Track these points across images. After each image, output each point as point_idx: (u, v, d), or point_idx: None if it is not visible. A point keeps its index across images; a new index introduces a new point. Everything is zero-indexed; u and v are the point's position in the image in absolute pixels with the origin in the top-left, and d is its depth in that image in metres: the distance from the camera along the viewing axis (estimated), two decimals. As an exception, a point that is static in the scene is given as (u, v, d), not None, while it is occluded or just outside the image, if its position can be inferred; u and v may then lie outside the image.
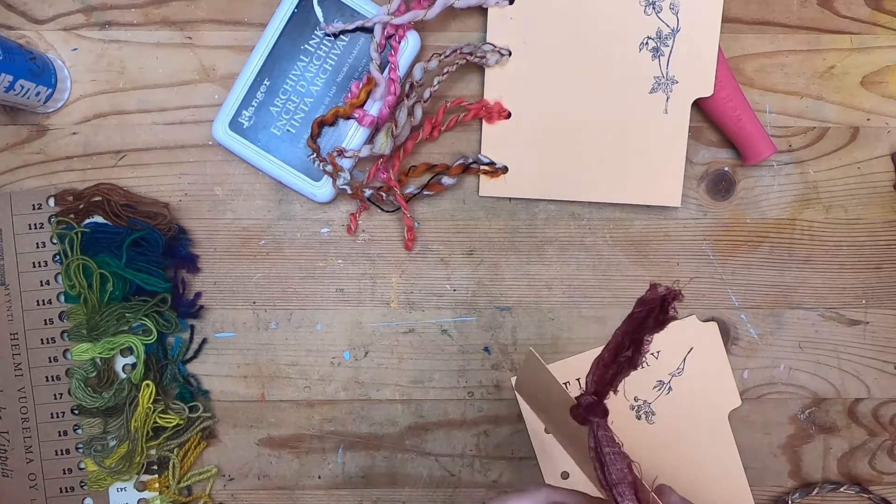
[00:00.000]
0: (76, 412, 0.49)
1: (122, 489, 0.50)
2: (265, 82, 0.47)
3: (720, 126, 0.49)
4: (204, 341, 0.50)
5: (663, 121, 0.48)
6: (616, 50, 0.47)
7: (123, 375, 0.49)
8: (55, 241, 0.48)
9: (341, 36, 0.47)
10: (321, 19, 0.46)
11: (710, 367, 0.50)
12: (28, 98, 0.46)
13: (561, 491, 0.38)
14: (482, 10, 0.47)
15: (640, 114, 0.48)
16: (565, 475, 0.50)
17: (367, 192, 0.48)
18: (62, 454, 0.50)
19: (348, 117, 0.47)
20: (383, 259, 0.50)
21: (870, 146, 0.50)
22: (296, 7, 0.46)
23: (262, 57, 0.46)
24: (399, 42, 0.46)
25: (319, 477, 0.51)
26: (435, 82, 0.47)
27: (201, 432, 0.50)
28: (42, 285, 0.49)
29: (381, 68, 0.46)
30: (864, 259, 0.51)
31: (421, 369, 0.51)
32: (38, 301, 0.49)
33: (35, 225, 0.49)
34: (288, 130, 0.47)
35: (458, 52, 0.47)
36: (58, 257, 0.49)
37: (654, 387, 0.50)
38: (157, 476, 0.50)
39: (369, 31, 0.46)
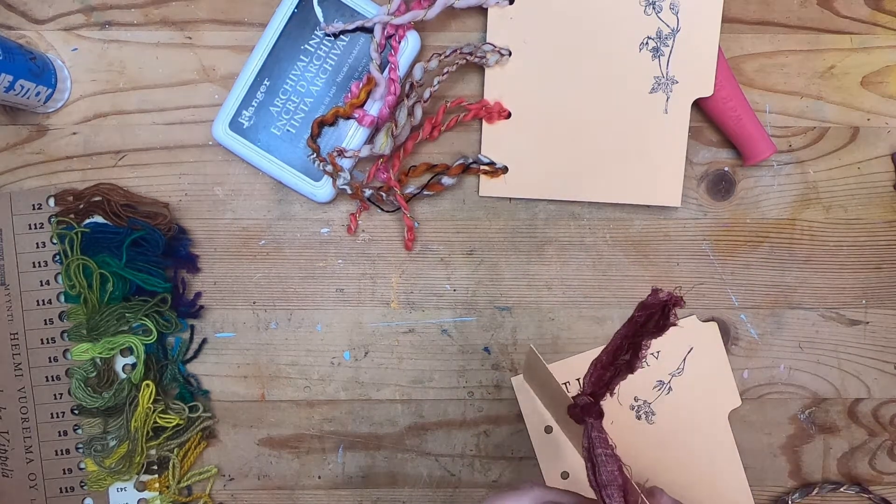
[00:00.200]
0: (76, 412, 0.49)
1: (122, 489, 0.50)
2: (265, 82, 0.47)
3: (720, 126, 0.49)
4: (204, 341, 0.50)
5: (663, 121, 0.48)
6: (616, 50, 0.47)
7: (123, 375, 0.49)
8: (55, 241, 0.48)
9: (341, 36, 0.47)
10: (321, 19, 0.46)
11: (710, 367, 0.50)
12: (28, 98, 0.46)
13: (554, 490, 0.38)
14: (482, 10, 0.48)
15: (640, 114, 0.48)
16: (565, 475, 0.50)
17: (367, 192, 0.48)
18: (62, 454, 0.50)
19: (348, 117, 0.47)
20: (383, 259, 0.50)
21: (870, 146, 0.50)
22: (296, 7, 0.46)
23: (262, 57, 0.47)
24: (399, 42, 0.46)
25: (319, 477, 0.51)
26: (435, 82, 0.47)
27: (201, 432, 0.50)
28: (42, 285, 0.49)
29: (381, 68, 0.46)
30: (864, 259, 0.51)
31: (421, 369, 0.51)
32: (38, 301, 0.49)
33: (35, 225, 0.49)
34: (288, 130, 0.47)
35: (458, 52, 0.47)
36: (58, 257, 0.49)
37: (654, 387, 0.50)
38: (157, 476, 0.50)
39: (369, 31, 0.46)
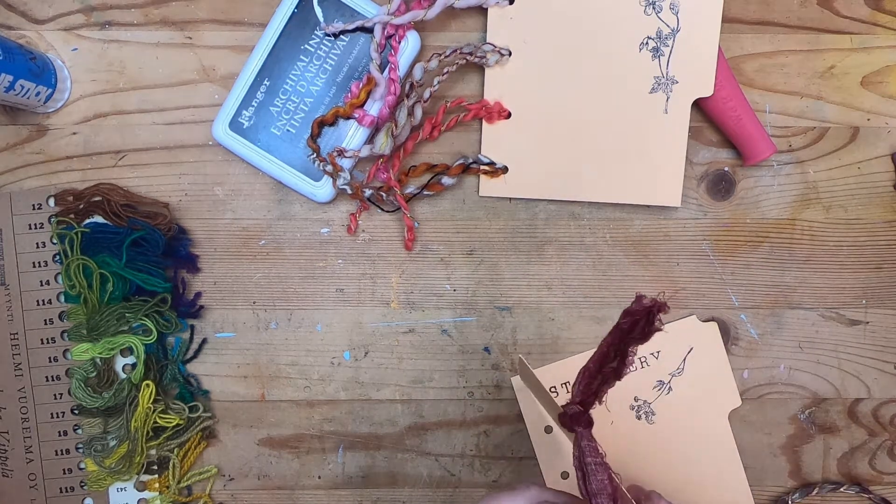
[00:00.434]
0: (76, 412, 0.49)
1: (122, 489, 0.50)
2: (265, 82, 0.47)
3: (720, 126, 0.49)
4: (204, 341, 0.50)
5: (663, 121, 0.48)
6: (616, 50, 0.47)
7: (123, 375, 0.49)
8: (55, 241, 0.48)
9: (341, 36, 0.47)
10: (321, 19, 0.46)
11: (710, 367, 0.50)
12: (28, 98, 0.46)
13: (550, 491, 0.39)
14: (482, 10, 0.48)
15: (640, 114, 0.48)
16: (565, 475, 0.50)
17: (367, 192, 0.48)
18: (62, 454, 0.50)
19: (348, 117, 0.47)
20: (383, 259, 0.50)
21: (870, 146, 0.50)
22: (296, 7, 0.46)
23: (262, 57, 0.47)
24: (399, 42, 0.46)
25: (319, 477, 0.51)
26: (435, 82, 0.47)
27: (201, 432, 0.50)
28: (42, 285, 0.49)
29: (381, 68, 0.46)
30: (864, 259, 0.51)
31: (421, 369, 0.51)
32: (38, 301, 0.49)
33: (35, 225, 0.49)
34: (288, 130, 0.47)
35: (458, 52, 0.47)
36: (58, 257, 0.49)
37: (654, 387, 0.50)
38: (157, 476, 0.50)
39: (369, 31, 0.46)
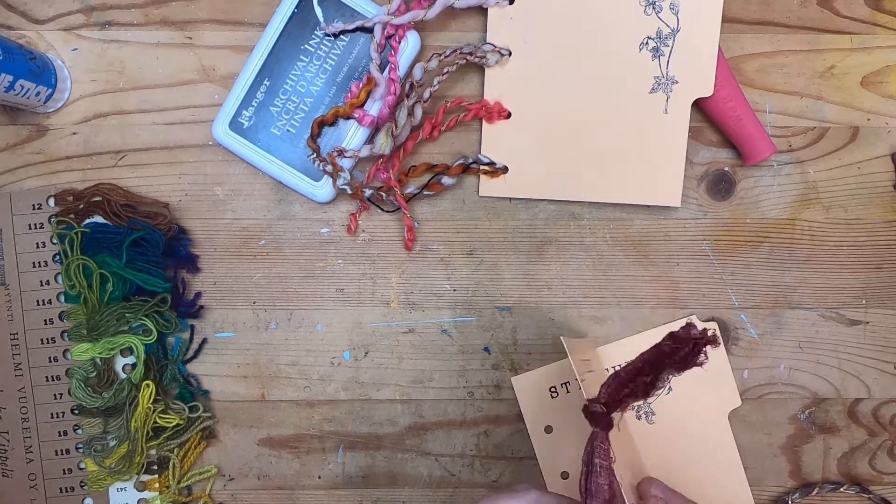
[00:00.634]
0: (76, 412, 0.49)
1: (122, 489, 0.50)
2: (265, 82, 0.47)
3: (720, 126, 0.49)
4: (204, 341, 0.50)
5: (663, 121, 0.48)
6: (616, 50, 0.47)
7: (123, 375, 0.49)
8: (55, 241, 0.48)
9: (341, 36, 0.47)
10: (321, 19, 0.46)
11: (710, 367, 0.50)
12: (28, 98, 0.46)
13: (549, 495, 0.39)
14: (482, 10, 0.48)
15: (640, 114, 0.48)
16: (565, 475, 0.50)
17: (367, 192, 0.48)
18: (62, 454, 0.50)
19: (348, 117, 0.47)
20: (383, 259, 0.50)
21: (870, 146, 0.50)
22: (296, 7, 0.46)
23: (262, 57, 0.47)
24: (399, 42, 0.46)
25: (319, 477, 0.51)
26: (435, 82, 0.47)
27: (201, 432, 0.50)
28: (42, 285, 0.49)
29: (381, 68, 0.46)
30: (864, 259, 0.51)
31: (421, 369, 0.51)
32: (38, 301, 0.49)
33: (35, 225, 0.49)
34: (288, 130, 0.47)
35: (458, 52, 0.47)
36: (58, 257, 0.49)
37: (654, 387, 0.50)
38: (157, 476, 0.50)
39: (369, 31, 0.46)
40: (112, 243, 0.47)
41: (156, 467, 0.50)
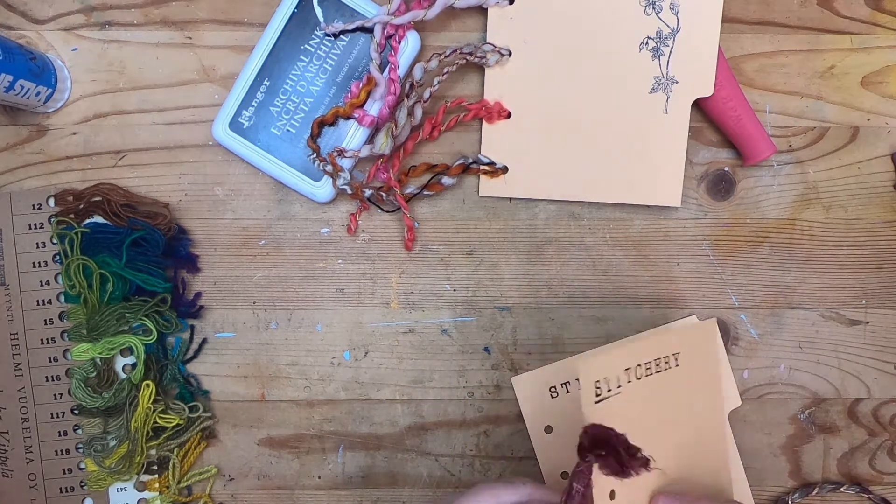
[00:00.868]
0: (76, 412, 0.49)
1: (122, 489, 0.50)
2: (265, 82, 0.47)
3: (720, 126, 0.49)
4: (204, 341, 0.50)
5: (663, 121, 0.48)
6: (616, 50, 0.47)
7: (123, 375, 0.49)
8: (55, 241, 0.48)
9: (341, 36, 0.47)
10: (321, 19, 0.46)
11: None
12: (28, 98, 0.46)
13: (545, 489, 0.39)
14: (482, 10, 0.48)
15: (640, 114, 0.48)
16: (565, 475, 0.50)
17: (367, 192, 0.48)
18: (62, 454, 0.50)
19: (348, 117, 0.47)
20: (383, 259, 0.50)
21: (870, 146, 0.50)
22: (296, 7, 0.46)
23: (262, 57, 0.47)
24: (399, 42, 0.46)
25: (319, 477, 0.51)
26: (435, 82, 0.47)
27: (201, 432, 0.50)
28: (42, 285, 0.49)
29: (381, 68, 0.46)
30: (864, 259, 0.51)
31: (421, 369, 0.51)
32: (38, 301, 0.49)
33: (35, 225, 0.49)
34: (288, 130, 0.47)
35: (458, 52, 0.47)
36: (58, 257, 0.49)
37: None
38: (157, 476, 0.50)
39: (369, 31, 0.46)
40: (112, 243, 0.47)
41: (156, 467, 0.50)
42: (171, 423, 0.48)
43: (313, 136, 0.46)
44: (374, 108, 0.47)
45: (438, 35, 0.49)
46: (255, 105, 0.47)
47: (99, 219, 0.48)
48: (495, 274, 0.50)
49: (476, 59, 0.47)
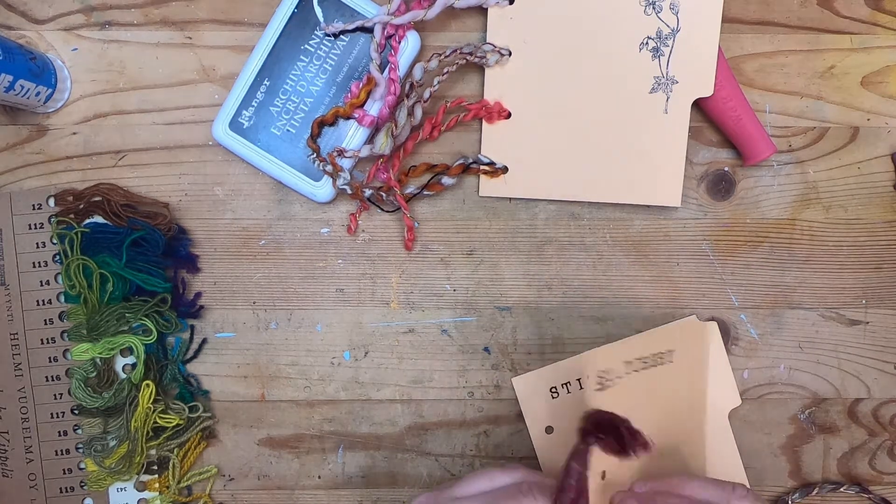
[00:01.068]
0: (76, 412, 0.49)
1: (122, 489, 0.50)
2: (265, 82, 0.47)
3: (720, 126, 0.49)
4: (204, 341, 0.50)
5: (663, 121, 0.48)
6: (616, 50, 0.47)
7: (123, 375, 0.49)
8: (55, 241, 0.48)
9: (341, 36, 0.47)
10: (321, 19, 0.46)
11: (710, 367, 0.50)
12: (28, 98, 0.46)
13: (537, 473, 0.41)
14: (482, 10, 0.48)
15: (640, 114, 0.48)
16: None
17: (367, 192, 0.48)
18: (62, 454, 0.50)
19: (348, 117, 0.47)
20: (383, 259, 0.50)
21: (870, 146, 0.50)
22: (296, 7, 0.46)
23: (262, 57, 0.47)
24: (399, 42, 0.46)
25: (319, 477, 0.51)
26: (435, 82, 0.47)
27: (201, 432, 0.50)
28: (42, 285, 0.49)
29: (381, 68, 0.46)
30: (864, 259, 0.51)
31: (421, 369, 0.51)
32: (38, 301, 0.49)
33: (35, 225, 0.49)
34: (288, 130, 0.47)
35: (458, 52, 0.47)
36: (58, 257, 0.49)
37: (654, 387, 0.50)
38: (157, 476, 0.50)
39: (369, 31, 0.46)
40: (112, 243, 0.47)
41: (156, 467, 0.50)
42: (171, 423, 0.48)
43: (313, 136, 0.46)
44: (374, 108, 0.47)
45: (438, 35, 0.49)
46: (255, 105, 0.47)
47: (99, 219, 0.48)
48: (495, 274, 0.50)
49: (476, 59, 0.47)
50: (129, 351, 0.49)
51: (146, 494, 0.50)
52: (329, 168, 0.46)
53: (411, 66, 0.47)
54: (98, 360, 0.48)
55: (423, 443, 0.51)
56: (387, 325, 0.50)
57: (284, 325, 0.50)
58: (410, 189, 0.49)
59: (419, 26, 0.47)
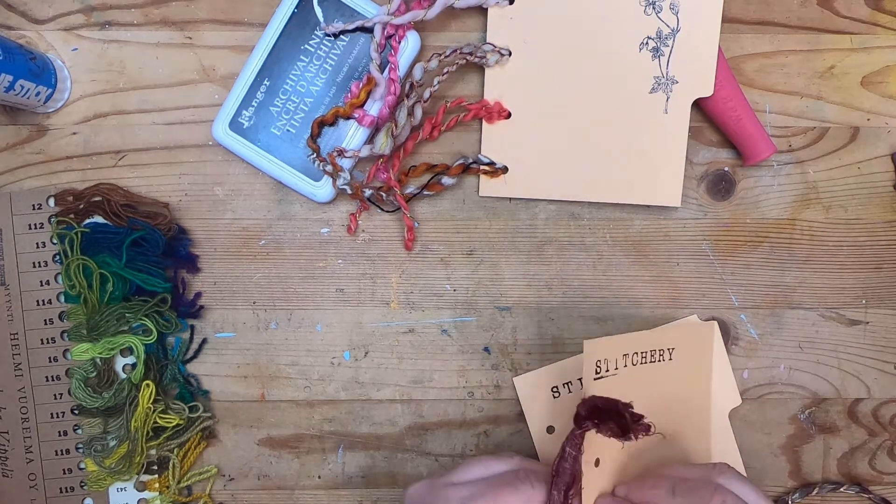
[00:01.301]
0: (76, 412, 0.49)
1: (122, 489, 0.50)
2: (265, 82, 0.47)
3: (720, 126, 0.49)
4: (204, 341, 0.50)
5: (663, 121, 0.48)
6: (616, 50, 0.47)
7: (123, 375, 0.49)
8: (55, 241, 0.48)
9: (341, 36, 0.47)
10: (321, 19, 0.46)
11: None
12: (28, 98, 0.46)
13: (530, 461, 0.42)
14: (482, 10, 0.48)
15: (640, 114, 0.48)
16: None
17: (367, 192, 0.48)
18: (62, 454, 0.50)
19: (348, 117, 0.47)
20: (383, 259, 0.50)
21: (870, 146, 0.50)
22: (296, 7, 0.46)
23: (262, 57, 0.47)
24: (399, 42, 0.46)
25: (319, 477, 0.51)
26: (435, 82, 0.47)
27: (201, 432, 0.50)
28: (42, 285, 0.49)
29: (381, 68, 0.46)
30: (864, 259, 0.51)
31: (421, 369, 0.51)
32: (38, 301, 0.49)
33: (35, 225, 0.49)
34: (288, 130, 0.47)
35: (458, 52, 0.47)
36: (58, 257, 0.49)
37: (654, 387, 0.50)
38: (157, 476, 0.50)
39: (369, 31, 0.46)
40: (112, 243, 0.47)
41: (156, 467, 0.50)
42: (171, 423, 0.48)
43: (313, 136, 0.46)
44: (374, 108, 0.47)
45: (438, 35, 0.49)
46: (255, 105, 0.47)
47: (99, 219, 0.48)
48: (495, 274, 0.50)
49: (476, 59, 0.47)
50: (129, 351, 0.49)
51: (146, 494, 0.50)
52: (329, 168, 0.46)
53: (411, 66, 0.47)
54: (98, 360, 0.48)
55: (423, 443, 0.51)
56: (387, 325, 0.50)
57: (284, 325, 0.50)
58: (410, 189, 0.49)
59: (419, 26, 0.47)
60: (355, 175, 0.48)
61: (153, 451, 0.49)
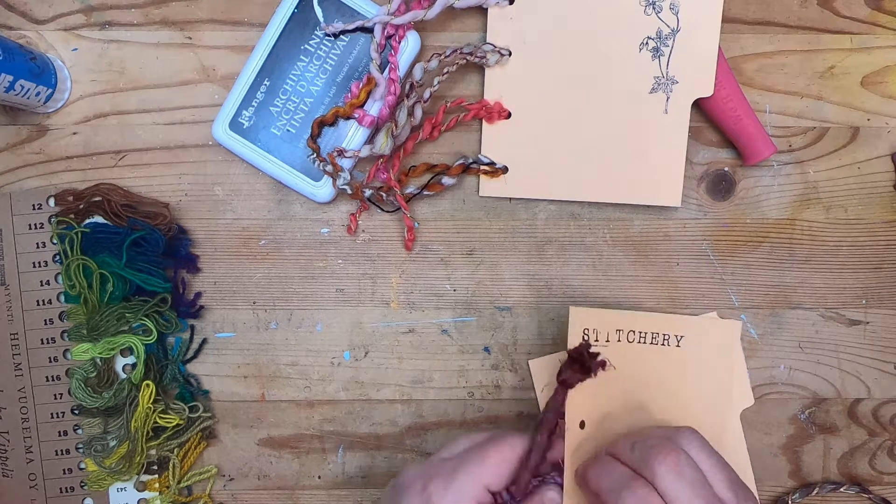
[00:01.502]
0: (76, 412, 0.49)
1: (122, 489, 0.50)
2: (265, 82, 0.47)
3: (720, 126, 0.49)
4: (204, 341, 0.50)
5: (663, 121, 0.48)
6: (616, 50, 0.47)
7: (123, 375, 0.49)
8: (55, 241, 0.48)
9: (341, 36, 0.47)
10: (321, 19, 0.46)
11: (721, 364, 0.49)
12: (28, 98, 0.46)
13: (522, 435, 0.42)
14: (482, 10, 0.48)
15: (640, 114, 0.48)
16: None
17: (367, 192, 0.48)
18: (62, 454, 0.50)
19: (348, 117, 0.47)
20: (383, 259, 0.50)
21: (870, 146, 0.50)
22: (296, 7, 0.46)
23: (262, 57, 0.47)
24: (399, 42, 0.46)
25: (319, 477, 0.51)
26: (435, 82, 0.47)
27: (201, 432, 0.50)
28: (42, 285, 0.49)
29: (381, 68, 0.46)
30: (864, 259, 0.51)
31: (421, 369, 0.51)
32: (38, 301, 0.49)
33: (35, 225, 0.49)
34: (288, 130, 0.47)
35: (458, 52, 0.47)
36: (58, 257, 0.49)
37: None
38: (157, 476, 0.50)
39: (369, 31, 0.46)
40: (112, 243, 0.47)
41: (156, 467, 0.50)
42: (171, 423, 0.48)
43: (313, 136, 0.46)
44: (374, 108, 0.47)
45: (438, 35, 0.49)
46: (255, 105, 0.47)
47: (99, 219, 0.48)
48: (495, 274, 0.50)
49: (476, 59, 0.47)
50: (129, 351, 0.49)
51: (146, 494, 0.50)
52: (329, 168, 0.46)
53: (411, 66, 0.47)
54: (98, 360, 0.48)
55: (424, 443, 0.51)
56: (387, 325, 0.50)
57: (284, 325, 0.50)
58: (410, 189, 0.49)
59: (419, 26, 0.47)
60: (355, 175, 0.48)
61: (153, 451, 0.49)
